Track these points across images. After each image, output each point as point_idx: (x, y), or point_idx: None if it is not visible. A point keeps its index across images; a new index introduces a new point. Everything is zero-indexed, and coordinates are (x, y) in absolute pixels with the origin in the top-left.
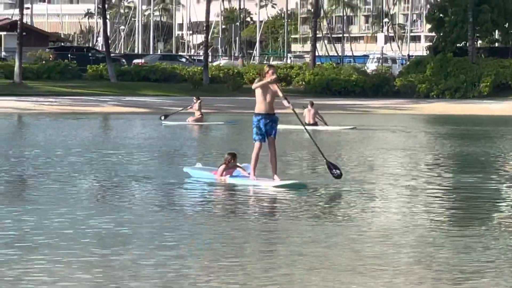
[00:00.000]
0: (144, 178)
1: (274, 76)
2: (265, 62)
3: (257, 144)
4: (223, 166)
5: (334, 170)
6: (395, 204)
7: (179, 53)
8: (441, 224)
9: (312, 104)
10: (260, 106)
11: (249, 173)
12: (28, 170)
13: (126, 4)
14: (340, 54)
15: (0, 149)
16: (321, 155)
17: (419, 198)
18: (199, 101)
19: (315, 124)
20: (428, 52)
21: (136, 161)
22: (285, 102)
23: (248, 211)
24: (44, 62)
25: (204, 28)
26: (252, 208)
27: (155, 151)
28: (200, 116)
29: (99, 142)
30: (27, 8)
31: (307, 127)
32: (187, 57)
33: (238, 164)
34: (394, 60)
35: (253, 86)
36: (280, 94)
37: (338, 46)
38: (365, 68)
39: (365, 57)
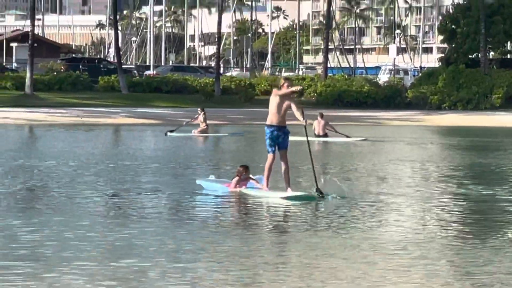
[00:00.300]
0: (157, 190)
1: (300, 87)
2: (277, 73)
3: (270, 155)
4: (236, 179)
5: (318, 191)
6: (410, 216)
7: (191, 65)
8: (459, 236)
9: (322, 116)
10: (272, 118)
11: (262, 185)
12: (42, 182)
13: (137, 15)
14: (352, 65)
15: (13, 160)
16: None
17: (436, 209)
18: (203, 112)
19: (325, 135)
20: (440, 63)
21: (147, 173)
22: (300, 118)
23: (262, 223)
24: (55, 73)
25: (216, 40)
26: (266, 220)
27: (165, 163)
28: (205, 127)
29: (110, 154)
30: (39, 19)
31: (317, 139)
32: (198, 68)
33: (251, 176)
34: (406, 72)
35: (279, 92)
36: (297, 112)
37: (350, 57)
38: (377, 79)
39: (377, 68)
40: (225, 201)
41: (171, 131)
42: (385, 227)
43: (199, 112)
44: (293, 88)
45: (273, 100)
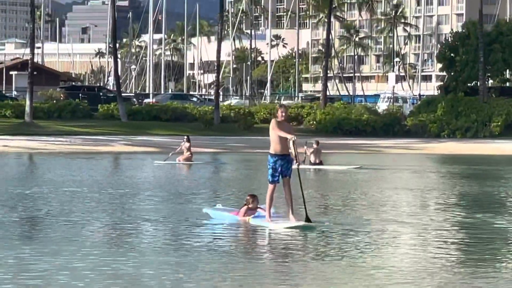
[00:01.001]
0: (161, 219)
1: (294, 137)
2: (276, 101)
3: (271, 186)
4: (245, 208)
5: (307, 220)
6: (421, 245)
7: (190, 93)
8: (472, 266)
9: (317, 143)
10: (276, 146)
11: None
12: (44, 210)
13: (137, 43)
14: (351, 93)
15: (14, 188)
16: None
17: (447, 239)
18: (188, 141)
19: (320, 163)
20: (439, 91)
21: (150, 201)
22: (294, 158)
23: (271, 252)
24: (55, 101)
25: (215, 68)
26: (274, 249)
27: (164, 192)
28: (189, 155)
29: (109, 182)
30: (38, 47)
31: (313, 167)
32: (198, 97)
33: (259, 206)
34: (405, 100)
35: (278, 132)
36: (293, 152)
37: (349, 85)
38: (376, 107)
39: (376, 96)
40: (232, 230)
41: (165, 159)
42: (395, 256)
43: (184, 141)
44: (289, 136)
45: (273, 131)
